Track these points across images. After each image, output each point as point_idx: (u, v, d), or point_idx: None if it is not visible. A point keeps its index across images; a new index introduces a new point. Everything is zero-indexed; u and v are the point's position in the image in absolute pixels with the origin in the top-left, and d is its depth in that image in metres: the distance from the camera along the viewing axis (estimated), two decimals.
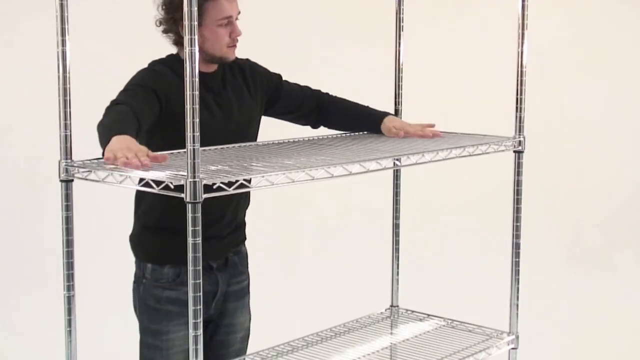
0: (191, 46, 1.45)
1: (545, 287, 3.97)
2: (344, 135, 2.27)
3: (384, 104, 2.44)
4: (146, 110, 2.04)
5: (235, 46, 2.22)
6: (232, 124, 2.23)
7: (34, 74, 3.65)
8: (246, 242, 2.44)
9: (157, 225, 2.26)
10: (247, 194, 2.36)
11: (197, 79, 1.46)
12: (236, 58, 2.33)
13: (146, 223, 2.27)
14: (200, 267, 1.51)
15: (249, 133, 2.27)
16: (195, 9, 1.45)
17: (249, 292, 2.41)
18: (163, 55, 2.34)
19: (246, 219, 2.42)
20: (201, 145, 1.86)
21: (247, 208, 2.39)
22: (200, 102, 2.23)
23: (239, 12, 2.22)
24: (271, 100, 2.35)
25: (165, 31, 2.22)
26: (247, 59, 2.39)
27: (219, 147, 2.01)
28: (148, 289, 2.25)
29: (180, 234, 2.22)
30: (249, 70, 2.35)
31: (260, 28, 4.04)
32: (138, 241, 2.29)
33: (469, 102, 4.02)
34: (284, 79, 2.39)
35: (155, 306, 2.24)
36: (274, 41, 3.92)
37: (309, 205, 4.00)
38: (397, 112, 2.43)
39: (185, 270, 2.27)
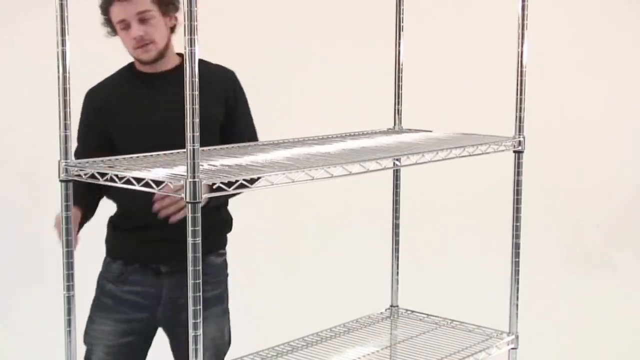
0: (191, 46, 1.45)
1: (545, 287, 3.97)
2: (341, 135, 2.27)
3: (384, 104, 2.44)
4: (98, 149, 2.21)
5: (141, 47, 2.26)
6: (173, 125, 2.25)
7: (34, 74, 3.66)
8: (234, 248, 2.44)
9: (117, 222, 2.38)
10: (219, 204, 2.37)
11: (196, 79, 1.46)
12: (216, 65, 2.35)
13: (112, 218, 2.40)
14: (200, 267, 1.51)
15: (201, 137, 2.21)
16: (196, 8, 1.46)
17: (220, 305, 2.40)
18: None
19: (227, 228, 2.43)
20: (139, 144, 1.92)
21: (218, 217, 2.38)
22: (139, 101, 2.30)
23: (142, 11, 2.25)
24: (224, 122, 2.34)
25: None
26: (232, 72, 2.38)
27: (218, 147, 2.01)
28: (100, 279, 2.38)
29: (133, 233, 2.29)
30: (222, 79, 2.34)
31: (260, 28, 4.04)
32: (107, 234, 2.41)
33: (469, 102, 4.02)
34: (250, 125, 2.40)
35: (97, 296, 2.37)
36: (274, 41, 3.92)
37: (309, 205, 4.01)
38: (397, 112, 2.43)
39: (131, 270, 2.34)
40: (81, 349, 1.97)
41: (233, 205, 2.46)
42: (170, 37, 2.32)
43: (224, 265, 2.44)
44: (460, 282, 3.95)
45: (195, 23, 1.45)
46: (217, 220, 2.38)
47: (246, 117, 2.40)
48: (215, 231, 2.39)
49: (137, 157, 1.86)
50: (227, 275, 2.45)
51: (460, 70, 4.03)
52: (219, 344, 2.41)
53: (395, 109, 2.43)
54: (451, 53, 4.04)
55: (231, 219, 2.46)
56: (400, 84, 2.42)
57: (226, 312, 2.44)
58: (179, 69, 2.31)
